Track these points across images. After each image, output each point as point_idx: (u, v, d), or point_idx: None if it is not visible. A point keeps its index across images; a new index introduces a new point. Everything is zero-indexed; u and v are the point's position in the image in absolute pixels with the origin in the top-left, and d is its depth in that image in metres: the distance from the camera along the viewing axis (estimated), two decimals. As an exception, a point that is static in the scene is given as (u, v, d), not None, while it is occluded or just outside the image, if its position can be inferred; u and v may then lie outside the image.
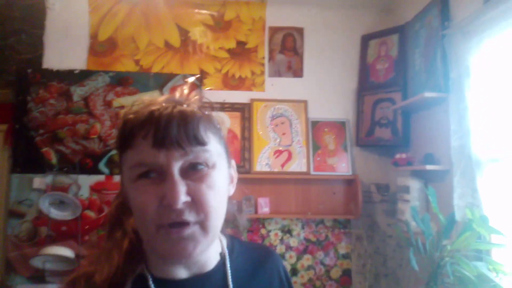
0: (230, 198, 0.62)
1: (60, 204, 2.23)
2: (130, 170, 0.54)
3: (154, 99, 0.57)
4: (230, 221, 0.67)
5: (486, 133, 1.66)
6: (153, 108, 0.53)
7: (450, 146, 1.82)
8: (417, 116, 2.24)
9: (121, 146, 0.55)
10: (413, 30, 2.23)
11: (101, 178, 2.32)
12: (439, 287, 1.61)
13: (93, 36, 2.46)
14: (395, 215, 2.31)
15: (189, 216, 0.52)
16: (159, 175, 0.52)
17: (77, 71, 2.39)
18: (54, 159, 2.29)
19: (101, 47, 2.47)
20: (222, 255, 0.65)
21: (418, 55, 2.16)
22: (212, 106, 0.61)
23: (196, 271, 0.61)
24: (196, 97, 0.59)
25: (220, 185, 0.56)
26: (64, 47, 2.42)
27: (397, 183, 2.21)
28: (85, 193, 2.29)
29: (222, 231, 0.66)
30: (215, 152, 0.56)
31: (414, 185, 2.05)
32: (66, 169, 2.29)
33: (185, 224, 0.52)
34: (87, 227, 2.25)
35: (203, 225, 0.53)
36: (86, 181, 2.30)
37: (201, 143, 0.54)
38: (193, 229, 0.52)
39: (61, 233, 2.22)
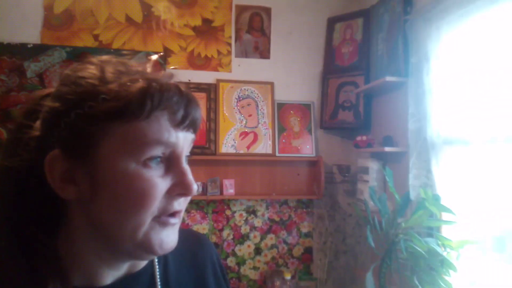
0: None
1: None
2: (138, 147, 0.44)
3: (148, 68, 0.50)
4: None
5: (442, 117, 1.74)
6: (176, 83, 0.48)
7: (407, 129, 1.90)
8: (378, 100, 2.30)
9: (125, 114, 0.44)
10: (377, 14, 2.26)
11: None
12: (393, 262, 1.70)
13: (48, 8, 2.30)
14: (355, 195, 2.40)
15: (183, 205, 0.50)
16: (166, 161, 0.48)
17: (30, 45, 2.23)
18: (6, 138, 2.16)
19: (56, 20, 2.31)
20: None
21: (381, 39, 2.20)
22: None
23: (125, 271, 0.54)
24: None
25: None
26: (16, 19, 2.24)
27: (357, 164, 2.28)
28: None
29: None
30: None
31: (373, 166, 2.12)
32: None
33: (177, 213, 0.50)
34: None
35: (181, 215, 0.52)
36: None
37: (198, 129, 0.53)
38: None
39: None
